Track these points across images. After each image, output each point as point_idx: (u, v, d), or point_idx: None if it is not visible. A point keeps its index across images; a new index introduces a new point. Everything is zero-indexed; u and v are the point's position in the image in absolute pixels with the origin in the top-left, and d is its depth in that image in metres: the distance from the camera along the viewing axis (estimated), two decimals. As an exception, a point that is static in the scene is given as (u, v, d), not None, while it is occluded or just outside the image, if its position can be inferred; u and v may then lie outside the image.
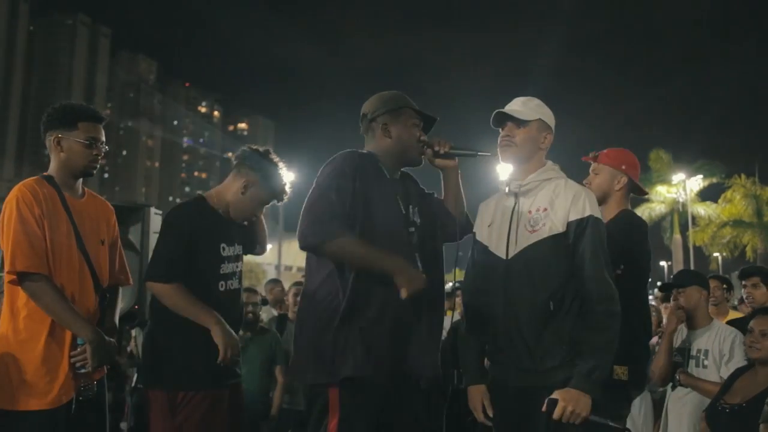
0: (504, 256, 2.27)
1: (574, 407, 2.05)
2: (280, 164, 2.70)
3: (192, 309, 2.44)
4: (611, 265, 2.24)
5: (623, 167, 2.84)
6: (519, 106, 2.38)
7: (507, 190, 2.35)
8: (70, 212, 2.37)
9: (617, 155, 2.88)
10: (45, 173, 2.43)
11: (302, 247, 2.13)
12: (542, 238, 2.21)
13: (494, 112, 2.37)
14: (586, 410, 2.06)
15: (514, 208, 2.31)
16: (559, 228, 2.20)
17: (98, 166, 2.47)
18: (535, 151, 2.34)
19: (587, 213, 2.20)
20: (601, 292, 2.16)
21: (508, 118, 2.35)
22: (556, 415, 2.06)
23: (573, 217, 2.20)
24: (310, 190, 2.19)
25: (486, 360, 2.40)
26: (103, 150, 2.46)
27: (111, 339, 2.39)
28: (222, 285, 2.57)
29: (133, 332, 4.46)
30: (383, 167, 2.29)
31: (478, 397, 2.32)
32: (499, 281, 2.25)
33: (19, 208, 2.26)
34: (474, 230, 2.44)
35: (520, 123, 2.33)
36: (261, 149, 2.72)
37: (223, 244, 2.60)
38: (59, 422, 2.24)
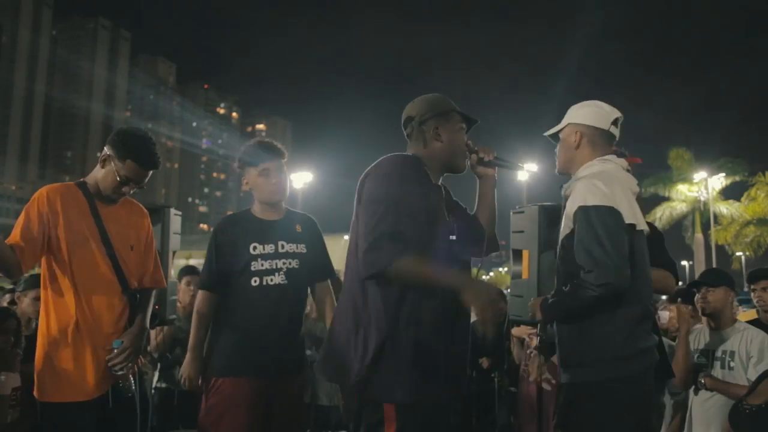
0: (555, 257, 2.38)
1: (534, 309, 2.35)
2: (255, 140, 3.02)
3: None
4: (609, 250, 2.04)
5: None
6: (557, 124, 2.46)
7: (562, 194, 2.40)
8: (99, 217, 2.47)
9: None
10: (82, 179, 2.55)
11: (366, 278, 2.00)
12: (561, 238, 2.27)
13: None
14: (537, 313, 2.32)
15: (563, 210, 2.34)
16: (571, 225, 2.20)
17: (123, 196, 2.55)
18: (572, 155, 2.37)
19: (576, 205, 2.16)
20: (586, 266, 2.07)
21: (552, 137, 2.48)
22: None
23: (572, 213, 2.19)
24: (365, 203, 2.07)
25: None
26: (134, 190, 2.54)
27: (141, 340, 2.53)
28: (255, 280, 2.77)
29: (153, 333, 4.45)
30: (429, 172, 2.23)
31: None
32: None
33: (27, 209, 2.38)
34: None
35: (556, 138, 2.45)
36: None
37: (254, 244, 2.79)
38: (94, 413, 2.37)
